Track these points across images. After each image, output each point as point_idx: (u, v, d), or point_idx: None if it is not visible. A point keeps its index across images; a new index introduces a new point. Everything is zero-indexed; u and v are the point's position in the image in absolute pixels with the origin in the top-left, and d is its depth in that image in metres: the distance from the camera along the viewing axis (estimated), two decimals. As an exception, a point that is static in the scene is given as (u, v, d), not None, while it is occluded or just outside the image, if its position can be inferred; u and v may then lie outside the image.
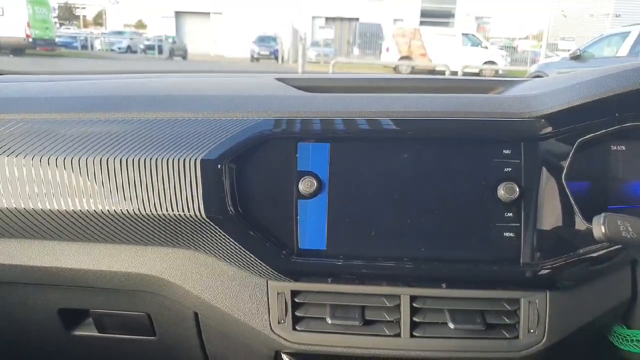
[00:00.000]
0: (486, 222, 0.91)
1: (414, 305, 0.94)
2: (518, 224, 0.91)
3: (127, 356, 1.19)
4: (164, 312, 1.05)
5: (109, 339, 1.13)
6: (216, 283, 0.97)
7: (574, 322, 0.95)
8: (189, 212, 0.90)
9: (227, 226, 0.91)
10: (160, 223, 0.92)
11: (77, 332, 1.14)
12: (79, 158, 0.90)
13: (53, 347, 1.19)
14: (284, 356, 0.99)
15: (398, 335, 0.93)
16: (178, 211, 0.90)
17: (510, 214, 0.91)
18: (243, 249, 0.92)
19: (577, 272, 0.93)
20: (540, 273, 0.91)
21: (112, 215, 0.92)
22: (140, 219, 0.92)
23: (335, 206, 0.92)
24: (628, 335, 0.99)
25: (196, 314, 1.02)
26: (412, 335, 0.93)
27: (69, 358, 1.22)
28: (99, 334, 1.13)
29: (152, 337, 1.11)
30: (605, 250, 0.91)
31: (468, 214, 0.91)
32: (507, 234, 0.91)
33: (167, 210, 0.90)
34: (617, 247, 0.91)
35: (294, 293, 0.95)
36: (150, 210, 0.90)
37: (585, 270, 0.94)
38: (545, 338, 0.93)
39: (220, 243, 0.93)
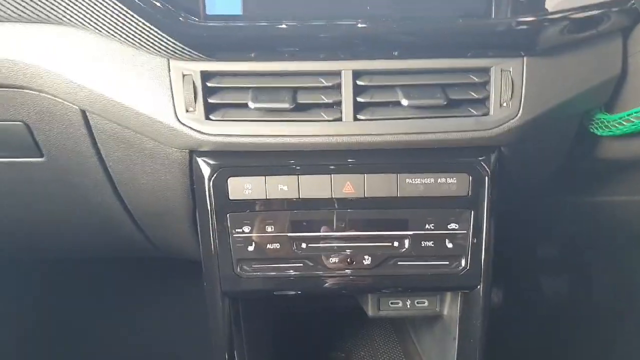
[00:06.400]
0: None
1: (358, 82, 0.75)
2: None
3: (16, 190, 0.97)
4: (45, 119, 0.82)
5: None
6: (101, 66, 0.74)
7: (555, 95, 0.78)
8: None
9: None
10: None
11: None
12: None
13: None
14: (199, 160, 0.80)
15: (339, 119, 0.75)
16: None
17: None
18: (130, 13, 0.68)
19: (559, 34, 0.74)
20: (516, 29, 0.71)
21: None
22: None
23: None
24: (610, 121, 0.84)
25: (85, 115, 0.80)
26: (355, 119, 0.75)
27: None
28: None
29: (40, 159, 0.89)
30: (592, 12, 0.74)
31: None
32: None
33: None
34: (605, 9, 0.74)
35: (206, 76, 0.74)
36: None
37: (570, 34, 0.75)
38: (520, 112, 0.76)
39: (100, 10, 0.69)
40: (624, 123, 0.80)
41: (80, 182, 0.93)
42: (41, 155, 0.88)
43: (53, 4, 0.70)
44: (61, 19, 0.72)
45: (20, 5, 0.70)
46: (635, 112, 0.79)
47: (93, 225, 1.08)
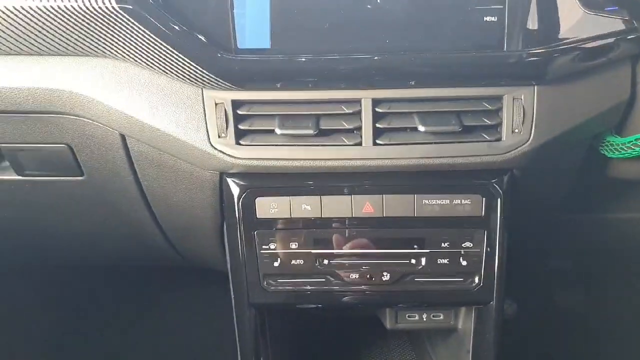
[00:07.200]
0: (464, 3, 0.75)
1: (377, 110, 0.80)
2: (502, 6, 0.75)
3: (57, 205, 1.05)
4: (87, 142, 0.89)
5: (32, 184, 0.98)
6: (141, 95, 0.80)
7: (565, 121, 0.82)
8: (96, 2, 0.71)
9: (146, 20, 0.73)
10: (65, 21, 0.74)
11: None
12: None
13: None
14: (229, 181, 0.85)
15: (359, 144, 0.80)
16: (83, 2, 0.71)
17: None
18: (169, 48, 0.74)
19: (569, 63, 0.78)
20: (527, 60, 0.76)
21: (7, 12, 0.73)
22: (42, 16, 0.74)
23: None
24: (620, 143, 0.87)
25: (124, 139, 0.86)
26: (375, 144, 0.80)
27: None
28: (19, 177, 0.97)
29: (80, 177, 0.96)
30: (601, 42, 0.77)
31: None
32: (489, 18, 0.75)
33: (70, 1, 0.72)
34: (614, 38, 0.77)
35: (237, 104, 0.80)
36: (53, 3, 0.72)
37: (579, 63, 0.79)
38: (531, 138, 0.80)
39: (141, 44, 0.75)
40: (633, 147, 0.84)
41: (116, 198, 1.00)
42: (81, 175, 0.95)
43: (101, 41, 0.77)
44: (107, 53, 0.79)
45: (71, 41, 0.77)
46: None
47: (124, 236, 1.15)
